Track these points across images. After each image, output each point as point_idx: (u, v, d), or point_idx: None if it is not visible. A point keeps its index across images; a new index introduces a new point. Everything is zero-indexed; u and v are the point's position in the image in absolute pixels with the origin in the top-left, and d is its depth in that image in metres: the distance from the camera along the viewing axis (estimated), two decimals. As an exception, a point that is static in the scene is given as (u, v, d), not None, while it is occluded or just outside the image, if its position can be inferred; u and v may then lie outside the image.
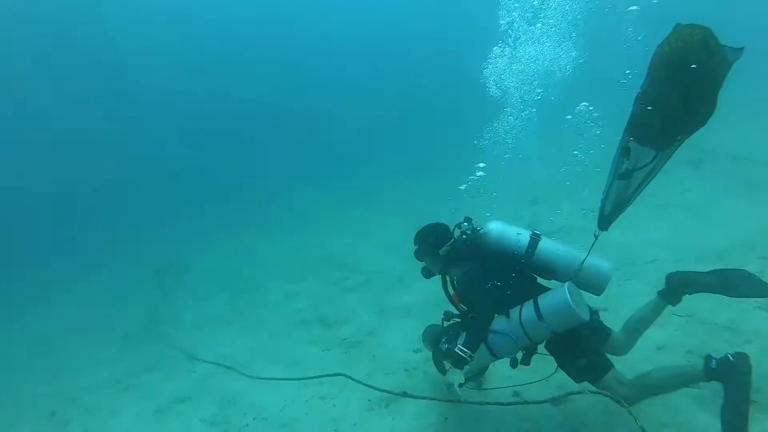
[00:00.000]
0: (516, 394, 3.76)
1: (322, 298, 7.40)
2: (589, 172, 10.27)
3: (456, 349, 3.11)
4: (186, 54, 35.39)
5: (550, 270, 3.34)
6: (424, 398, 3.85)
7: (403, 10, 38.64)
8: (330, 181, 17.78)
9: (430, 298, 6.08)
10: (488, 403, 3.41)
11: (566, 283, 2.98)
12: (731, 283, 3.17)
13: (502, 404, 3.18)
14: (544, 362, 3.32)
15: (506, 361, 3.34)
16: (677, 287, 3.34)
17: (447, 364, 3.39)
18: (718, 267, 4.46)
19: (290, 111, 32.78)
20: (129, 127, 32.36)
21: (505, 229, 3.45)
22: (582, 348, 3.05)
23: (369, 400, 4.28)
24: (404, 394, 3.89)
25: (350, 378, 4.64)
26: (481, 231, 3.54)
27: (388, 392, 4.06)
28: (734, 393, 2.60)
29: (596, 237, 3.12)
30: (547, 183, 10.68)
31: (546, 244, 3.33)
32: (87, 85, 31.59)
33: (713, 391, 3.18)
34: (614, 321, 4.42)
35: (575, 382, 3.11)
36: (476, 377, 3.65)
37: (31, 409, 6.04)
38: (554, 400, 3.19)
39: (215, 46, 35.92)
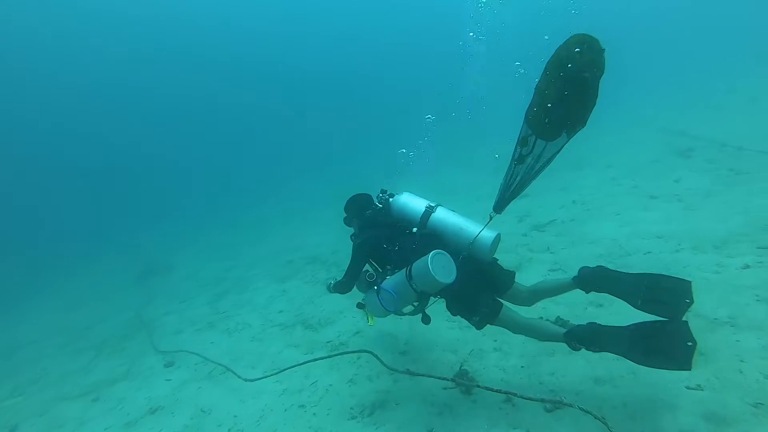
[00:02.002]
0: (509, 399, 3.51)
1: (305, 298, 7.10)
2: (575, 163, 10.10)
3: (330, 287, 4.08)
4: (175, 58, 34.92)
5: (442, 240, 3.59)
6: (435, 377, 3.94)
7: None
8: (313, 180, 17.53)
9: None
10: (480, 387, 3.66)
11: (433, 251, 3.20)
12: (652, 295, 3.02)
13: (492, 390, 3.45)
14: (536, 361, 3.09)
15: (500, 360, 3.58)
16: (589, 283, 3.38)
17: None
18: (715, 258, 4.23)
19: (275, 112, 32.49)
20: (110, 129, 31.87)
21: (408, 200, 3.83)
22: (474, 306, 3.33)
23: (351, 408, 4.01)
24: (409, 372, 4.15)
25: (375, 356, 4.60)
26: (391, 201, 3.93)
27: (396, 370, 4.24)
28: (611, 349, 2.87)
29: (491, 218, 3.32)
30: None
31: (438, 216, 3.65)
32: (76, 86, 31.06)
33: (718, 401, 2.98)
34: (609, 317, 4.21)
35: (477, 329, 3.44)
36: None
37: (-10, 424, 5.72)
38: (547, 403, 3.30)
39: (206, 51, 35.50)
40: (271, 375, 4.99)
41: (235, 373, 5.24)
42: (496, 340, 4.46)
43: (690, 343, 2.63)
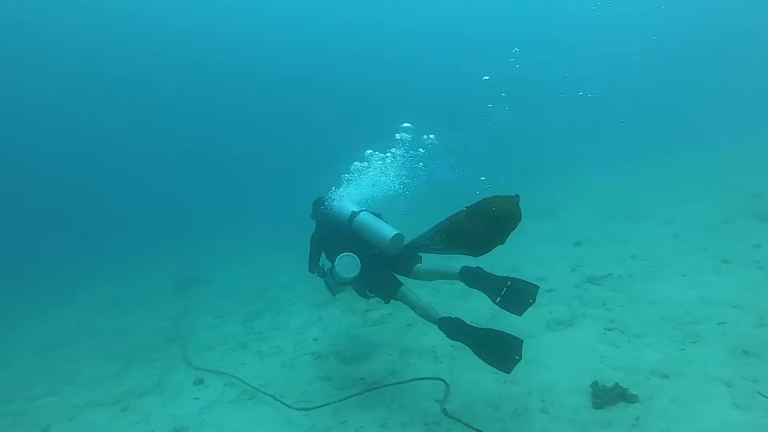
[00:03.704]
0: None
1: (341, 328, 6.88)
2: (631, 215, 9.59)
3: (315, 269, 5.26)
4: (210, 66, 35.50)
5: (364, 239, 4.64)
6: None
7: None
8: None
9: (458, 343, 5.49)
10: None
11: (340, 255, 4.45)
12: (511, 297, 3.85)
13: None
14: None
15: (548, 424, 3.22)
16: (467, 279, 4.15)
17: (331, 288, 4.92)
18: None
19: (321, 128, 32.42)
20: (161, 142, 32.83)
21: (342, 205, 4.98)
22: (375, 286, 4.51)
23: (384, 455, 3.72)
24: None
25: (446, 385, 4.41)
26: (333, 205, 5.09)
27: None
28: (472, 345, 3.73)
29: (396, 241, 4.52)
30: (593, 222, 10.04)
31: (359, 219, 4.70)
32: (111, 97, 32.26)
33: None
34: (678, 391, 3.78)
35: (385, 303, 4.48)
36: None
37: (25, 422, 5.69)
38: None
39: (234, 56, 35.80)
40: (324, 405, 4.64)
41: (284, 403, 4.87)
42: (543, 401, 4.10)
43: (517, 357, 3.48)
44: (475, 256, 3.86)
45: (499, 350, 3.54)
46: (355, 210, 4.78)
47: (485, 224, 3.59)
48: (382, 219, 4.77)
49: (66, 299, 11.87)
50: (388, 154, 5.84)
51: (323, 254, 5.21)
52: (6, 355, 8.54)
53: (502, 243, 3.70)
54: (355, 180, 5.64)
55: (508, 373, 3.48)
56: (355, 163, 5.80)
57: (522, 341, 3.52)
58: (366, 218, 4.68)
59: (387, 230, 4.48)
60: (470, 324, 3.79)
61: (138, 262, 15.00)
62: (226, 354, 6.74)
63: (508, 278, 3.88)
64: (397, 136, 5.77)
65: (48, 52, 28.44)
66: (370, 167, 5.78)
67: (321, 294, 8.47)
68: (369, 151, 5.85)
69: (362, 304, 7.66)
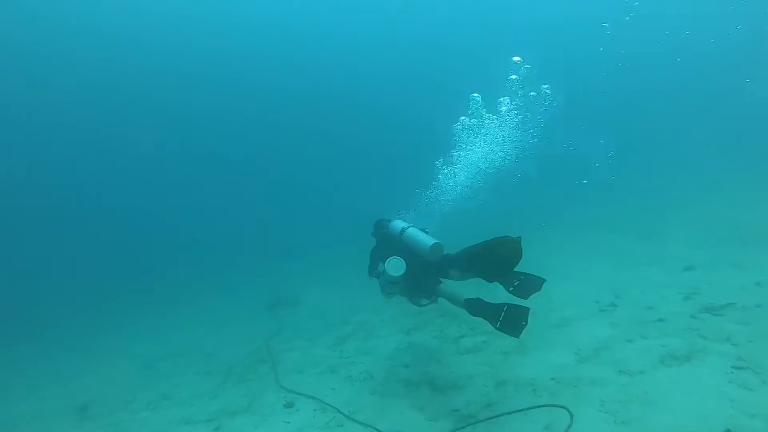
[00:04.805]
0: None
1: (434, 355, 6.63)
2: (747, 237, 8.59)
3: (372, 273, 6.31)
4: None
5: (411, 249, 5.51)
6: None
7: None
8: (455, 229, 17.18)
9: (560, 375, 5.10)
10: None
11: (390, 257, 5.37)
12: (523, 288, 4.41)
13: None
14: None
15: None
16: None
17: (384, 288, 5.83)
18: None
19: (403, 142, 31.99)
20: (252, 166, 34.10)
21: (396, 224, 5.89)
22: (419, 287, 5.51)
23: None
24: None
25: (570, 414, 4.28)
26: (390, 224, 6.01)
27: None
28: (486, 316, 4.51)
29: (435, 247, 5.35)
30: (703, 244, 9.12)
31: (407, 233, 5.61)
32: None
33: None
34: None
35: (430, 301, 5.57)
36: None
37: (130, 433, 6.00)
38: None
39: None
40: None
41: (378, 431, 4.82)
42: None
43: (524, 323, 4.17)
44: (488, 281, 4.66)
45: (510, 319, 4.23)
46: (405, 226, 5.72)
47: (488, 258, 4.50)
48: (427, 233, 5.59)
49: (165, 316, 12.55)
50: (503, 108, 6.35)
51: (380, 264, 5.98)
52: (112, 367, 9.15)
53: (509, 272, 4.49)
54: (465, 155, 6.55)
55: (517, 337, 4.16)
56: (463, 118, 6.33)
57: (528, 309, 4.21)
58: (412, 232, 5.59)
59: (427, 240, 5.35)
60: (488, 301, 4.60)
61: (233, 281, 15.62)
62: (316, 378, 6.72)
63: (521, 273, 4.57)
64: (513, 77, 6.21)
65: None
66: (482, 127, 6.43)
67: (411, 318, 8.36)
68: (475, 95, 6.12)
69: (456, 327, 7.42)
